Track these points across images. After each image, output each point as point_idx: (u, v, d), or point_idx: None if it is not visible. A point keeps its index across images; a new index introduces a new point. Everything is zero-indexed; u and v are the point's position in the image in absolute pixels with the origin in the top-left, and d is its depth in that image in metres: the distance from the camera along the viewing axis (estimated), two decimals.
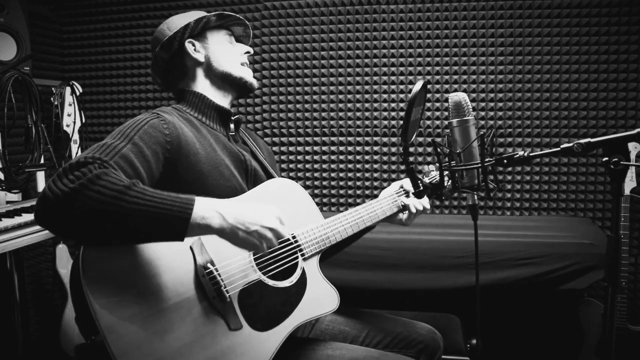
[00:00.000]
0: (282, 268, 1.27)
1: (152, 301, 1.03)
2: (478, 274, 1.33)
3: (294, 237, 1.32)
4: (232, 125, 1.45)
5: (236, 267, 1.18)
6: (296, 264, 1.31)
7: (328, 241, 1.38)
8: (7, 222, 1.95)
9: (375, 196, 2.84)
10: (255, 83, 1.48)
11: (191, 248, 1.13)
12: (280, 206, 1.27)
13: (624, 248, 2.17)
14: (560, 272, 2.05)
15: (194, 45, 1.42)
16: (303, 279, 1.30)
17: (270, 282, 1.23)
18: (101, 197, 0.95)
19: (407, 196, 1.60)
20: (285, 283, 1.26)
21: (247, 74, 1.46)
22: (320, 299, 1.32)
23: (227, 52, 1.45)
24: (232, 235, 1.07)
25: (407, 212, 1.58)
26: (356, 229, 1.46)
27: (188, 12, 1.47)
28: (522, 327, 2.41)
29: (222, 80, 1.43)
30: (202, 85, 1.43)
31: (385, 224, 1.63)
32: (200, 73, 1.43)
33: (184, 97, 1.43)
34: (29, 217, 2.05)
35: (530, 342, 2.42)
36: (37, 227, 2.02)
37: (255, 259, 1.24)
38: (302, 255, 1.32)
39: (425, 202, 1.58)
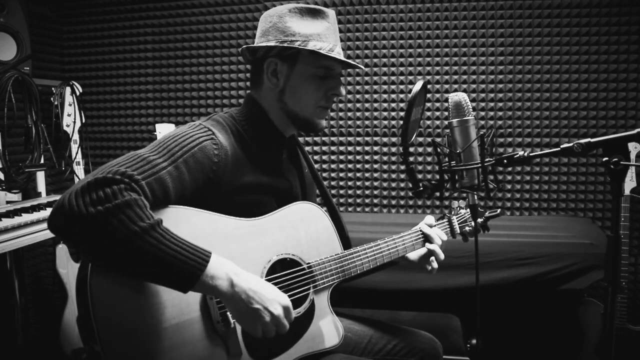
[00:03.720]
0: (292, 298, 1.22)
1: (154, 317, 1.02)
2: (478, 274, 1.32)
3: (309, 266, 1.27)
4: (285, 152, 1.37)
5: None
6: (307, 295, 1.26)
7: (343, 275, 1.32)
8: (7, 222, 1.95)
9: (375, 196, 2.88)
10: (322, 125, 1.33)
11: None
12: (301, 230, 1.26)
13: (624, 248, 2.17)
14: (560, 272, 2.05)
15: (275, 66, 1.26)
16: (311, 310, 1.26)
17: None
18: (120, 230, 0.93)
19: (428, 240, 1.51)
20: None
21: (317, 118, 1.31)
22: (323, 333, 1.27)
23: (306, 93, 1.28)
24: (234, 305, 1.03)
25: (433, 259, 1.48)
26: (374, 265, 1.39)
27: (319, 20, 1.33)
28: (522, 327, 2.41)
29: (289, 116, 1.31)
30: (270, 105, 1.31)
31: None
32: (272, 94, 1.30)
33: (248, 107, 1.32)
34: (29, 217, 2.05)
35: (530, 342, 2.42)
36: (37, 227, 2.02)
37: None
38: (315, 286, 1.26)
39: (442, 234, 1.53)
